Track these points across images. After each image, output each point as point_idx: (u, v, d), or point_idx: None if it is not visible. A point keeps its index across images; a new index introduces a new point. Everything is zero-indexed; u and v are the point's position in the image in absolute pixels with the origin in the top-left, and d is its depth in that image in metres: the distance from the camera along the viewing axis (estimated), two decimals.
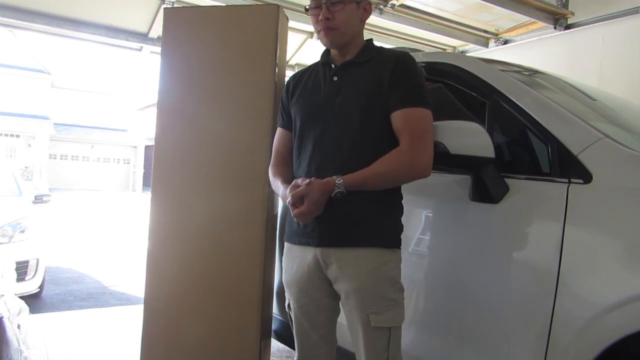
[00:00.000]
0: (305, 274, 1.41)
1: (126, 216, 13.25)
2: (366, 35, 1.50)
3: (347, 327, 1.40)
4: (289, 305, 1.50)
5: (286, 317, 2.18)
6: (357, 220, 1.34)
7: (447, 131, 1.37)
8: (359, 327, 1.33)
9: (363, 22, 1.45)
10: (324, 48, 1.49)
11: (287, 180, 1.43)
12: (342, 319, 1.43)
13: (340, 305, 1.42)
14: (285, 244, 1.50)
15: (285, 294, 1.51)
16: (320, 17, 1.38)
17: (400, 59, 1.38)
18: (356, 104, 1.36)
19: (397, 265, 1.37)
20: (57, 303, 4.37)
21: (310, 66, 1.55)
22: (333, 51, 1.47)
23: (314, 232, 1.37)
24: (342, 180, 1.28)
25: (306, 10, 1.46)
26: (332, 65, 1.45)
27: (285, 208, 2.19)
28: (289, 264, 1.47)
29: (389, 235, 1.36)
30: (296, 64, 4.98)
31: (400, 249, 1.38)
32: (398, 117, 1.33)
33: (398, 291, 1.36)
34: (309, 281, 1.41)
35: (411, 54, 1.48)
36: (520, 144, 1.53)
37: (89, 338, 3.13)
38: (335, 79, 1.42)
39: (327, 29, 1.39)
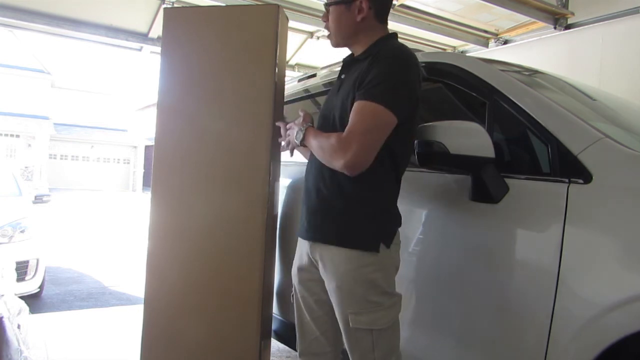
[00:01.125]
0: (303, 266, 1.47)
1: (126, 216, 13.25)
2: None
3: None
4: (292, 295, 1.54)
5: (286, 317, 2.19)
6: (336, 220, 1.36)
7: (447, 131, 1.36)
8: (342, 326, 1.36)
9: (363, 21, 1.40)
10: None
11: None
12: None
13: None
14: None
15: (292, 282, 1.55)
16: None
17: (379, 53, 1.32)
18: (341, 103, 1.38)
19: (380, 268, 1.33)
20: (57, 303, 4.37)
21: None
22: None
23: (304, 226, 1.43)
24: (306, 127, 1.42)
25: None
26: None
27: (286, 208, 2.20)
28: (296, 255, 1.54)
29: (367, 237, 1.33)
30: (296, 64, 4.98)
31: (381, 251, 1.33)
32: (352, 109, 1.30)
33: (381, 295, 1.33)
34: (307, 273, 1.46)
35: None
36: (520, 144, 1.53)
37: (89, 338, 3.13)
38: (342, 77, 1.46)
39: (328, 33, 1.49)
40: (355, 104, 1.28)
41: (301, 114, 1.48)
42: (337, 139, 1.28)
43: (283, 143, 1.57)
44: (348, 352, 1.37)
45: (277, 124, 1.64)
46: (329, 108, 1.45)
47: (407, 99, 1.30)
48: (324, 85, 2.40)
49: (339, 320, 1.37)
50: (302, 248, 1.47)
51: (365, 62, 1.35)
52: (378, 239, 1.34)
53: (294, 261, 1.53)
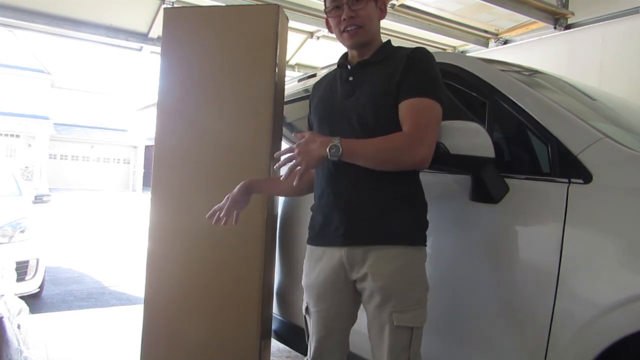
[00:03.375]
0: (328, 277, 1.40)
1: (126, 216, 13.25)
2: None
3: (359, 333, 1.39)
4: (307, 308, 1.48)
5: (286, 317, 2.19)
6: (381, 218, 1.33)
7: (447, 131, 1.36)
8: (382, 326, 1.32)
9: (379, 21, 1.45)
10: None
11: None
12: (355, 325, 1.43)
13: (362, 304, 1.40)
14: (307, 246, 1.49)
15: (304, 297, 1.49)
16: (344, 16, 1.37)
17: (414, 53, 1.36)
18: (369, 101, 1.36)
19: (422, 263, 1.36)
20: (57, 303, 4.37)
21: (330, 72, 1.55)
22: (351, 53, 1.46)
23: (338, 231, 1.36)
24: (339, 139, 1.26)
25: (325, 12, 1.44)
26: (348, 67, 1.45)
27: (286, 208, 2.20)
28: (310, 266, 1.46)
29: (414, 232, 1.35)
30: (296, 64, 4.98)
31: (425, 246, 1.37)
32: (403, 108, 1.31)
33: (423, 290, 1.36)
34: (331, 284, 1.40)
35: None
36: (520, 144, 1.53)
37: (89, 338, 3.13)
38: (350, 79, 1.42)
39: (352, 29, 1.38)
40: (411, 101, 1.30)
41: (306, 134, 1.32)
42: (404, 137, 1.27)
43: (284, 172, 1.32)
44: (384, 352, 1.32)
45: (275, 155, 1.39)
46: (337, 112, 1.41)
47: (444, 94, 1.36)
48: None
49: (377, 321, 1.33)
50: (330, 256, 1.39)
51: (387, 63, 1.37)
52: (422, 232, 1.37)
53: (310, 272, 1.45)
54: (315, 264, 1.44)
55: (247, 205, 1.58)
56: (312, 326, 1.47)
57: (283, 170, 1.34)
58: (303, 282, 1.49)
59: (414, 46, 1.43)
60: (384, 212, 1.34)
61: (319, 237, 1.43)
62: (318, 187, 1.45)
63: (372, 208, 1.34)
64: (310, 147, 1.28)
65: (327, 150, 1.25)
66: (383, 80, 1.35)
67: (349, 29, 1.38)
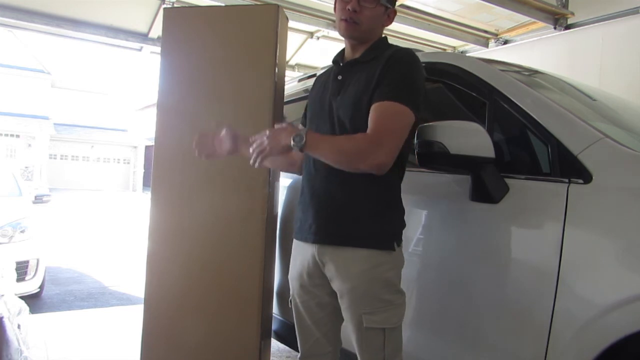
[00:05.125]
0: (306, 271, 1.43)
1: (126, 216, 13.25)
2: None
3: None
4: (291, 300, 1.52)
5: (286, 317, 2.19)
6: (350, 221, 1.35)
7: (447, 131, 1.36)
8: (353, 326, 1.35)
9: (383, 27, 1.46)
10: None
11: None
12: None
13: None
14: (294, 239, 1.52)
15: (290, 289, 1.52)
16: (349, 7, 1.38)
17: (394, 54, 1.35)
18: (349, 103, 1.36)
19: (393, 267, 1.35)
20: (57, 303, 4.37)
21: (330, 67, 1.56)
22: (346, 48, 1.47)
23: (310, 229, 1.40)
24: (306, 130, 1.27)
25: None
26: (340, 64, 1.46)
27: (286, 208, 2.20)
28: (294, 259, 1.51)
29: (382, 236, 1.34)
30: (296, 64, 4.99)
31: (396, 250, 1.36)
32: (372, 110, 1.30)
33: (394, 293, 1.35)
34: (310, 278, 1.43)
35: None
36: (520, 144, 1.53)
37: (89, 338, 3.14)
38: (339, 77, 1.43)
39: (350, 21, 1.39)
40: (380, 105, 1.28)
41: (282, 124, 1.36)
42: (365, 139, 1.26)
43: (253, 154, 1.33)
44: (357, 351, 1.36)
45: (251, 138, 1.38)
46: (324, 110, 1.43)
47: (422, 99, 1.34)
48: None
49: (349, 321, 1.36)
50: (306, 251, 1.43)
51: (373, 63, 1.36)
52: (393, 237, 1.36)
53: (292, 266, 1.50)
54: (296, 257, 1.49)
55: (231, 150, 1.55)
56: (296, 317, 1.50)
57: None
58: (289, 275, 1.53)
59: (413, 46, 1.43)
60: (354, 216, 1.35)
61: (298, 232, 1.47)
62: (301, 184, 1.48)
63: (342, 211, 1.36)
64: (280, 135, 1.30)
65: (292, 140, 1.26)
66: (364, 83, 1.35)
67: (348, 19, 1.39)
